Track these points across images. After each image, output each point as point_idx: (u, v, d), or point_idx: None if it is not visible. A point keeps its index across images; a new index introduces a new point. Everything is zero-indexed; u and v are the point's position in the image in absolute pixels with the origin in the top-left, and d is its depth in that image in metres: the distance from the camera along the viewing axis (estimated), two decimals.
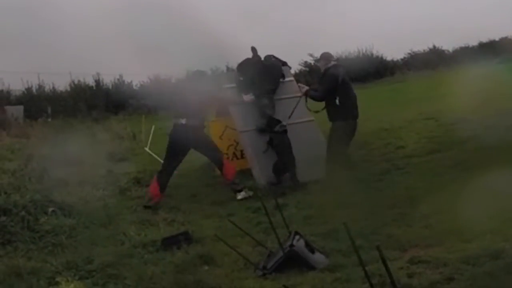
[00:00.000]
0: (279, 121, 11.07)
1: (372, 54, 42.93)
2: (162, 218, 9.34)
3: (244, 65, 12.09)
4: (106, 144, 17.59)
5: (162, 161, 11.23)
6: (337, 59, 11.36)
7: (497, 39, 45.29)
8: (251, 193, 10.56)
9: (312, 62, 38.28)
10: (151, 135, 15.88)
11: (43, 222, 8.84)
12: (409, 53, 44.80)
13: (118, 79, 38.25)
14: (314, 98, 11.02)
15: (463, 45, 44.77)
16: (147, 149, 14.95)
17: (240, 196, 10.60)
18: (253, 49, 12.20)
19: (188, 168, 12.48)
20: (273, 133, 10.97)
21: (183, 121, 10.76)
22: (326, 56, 11.13)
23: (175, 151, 10.86)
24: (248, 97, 11.58)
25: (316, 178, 10.65)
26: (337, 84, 10.64)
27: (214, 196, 10.85)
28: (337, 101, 10.59)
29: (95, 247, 7.97)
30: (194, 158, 12.26)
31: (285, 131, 10.97)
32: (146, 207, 10.26)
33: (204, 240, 7.85)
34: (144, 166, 13.62)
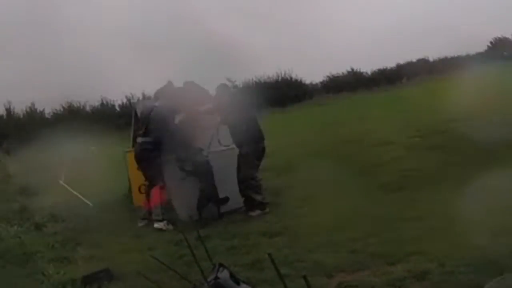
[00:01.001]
0: (201, 149, 10.95)
1: (291, 78, 43.33)
2: (81, 255, 9.03)
3: (162, 92, 11.85)
4: (18, 177, 17.12)
5: (78, 194, 11.01)
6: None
7: (414, 60, 46.52)
8: (171, 227, 10.45)
9: (231, 86, 38.33)
10: (65, 167, 15.47)
11: None
12: (328, 76, 45.41)
13: (30, 107, 37.38)
14: None
15: (381, 67, 45.69)
16: (61, 182, 14.54)
17: (156, 225, 10.53)
18: (169, 83, 12.01)
19: (105, 200, 12.21)
20: (196, 163, 10.77)
21: (139, 139, 11.13)
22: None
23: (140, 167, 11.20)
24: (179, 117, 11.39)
25: (237, 207, 10.60)
26: None
27: (133, 230, 10.64)
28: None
29: None
30: (110, 190, 12.03)
31: (207, 162, 10.86)
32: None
33: (126, 277, 7.58)
34: (59, 200, 13.23)
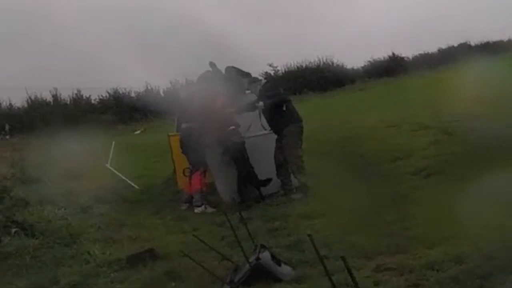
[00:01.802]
0: (237, 131, 11.08)
1: (332, 63, 43.07)
2: (126, 236, 9.20)
3: (203, 78, 12.03)
4: (64, 161, 17.34)
5: (123, 177, 11.19)
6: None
7: (455, 45, 45.83)
8: (211, 210, 10.73)
9: (272, 72, 38.28)
10: (111, 151, 15.70)
11: (6, 243, 8.67)
12: (369, 61, 45.00)
13: (77, 94, 37.73)
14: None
15: (422, 52, 45.14)
16: (108, 165, 14.78)
17: (196, 210, 10.77)
18: (212, 64, 12.16)
19: (150, 183, 12.40)
20: (232, 144, 10.89)
21: (184, 125, 11.35)
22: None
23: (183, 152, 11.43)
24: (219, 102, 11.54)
25: (277, 190, 10.75)
26: None
27: (177, 211, 10.85)
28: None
29: (60, 267, 7.84)
30: (155, 173, 12.20)
31: (243, 143, 10.96)
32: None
33: (170, 256, 7.75)
34: (105, 182, 13.45)
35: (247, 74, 12.60)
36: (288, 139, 10.81)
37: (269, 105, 10.87)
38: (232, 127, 10.99)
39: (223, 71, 12.25)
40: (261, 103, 10.98)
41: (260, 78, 13.14)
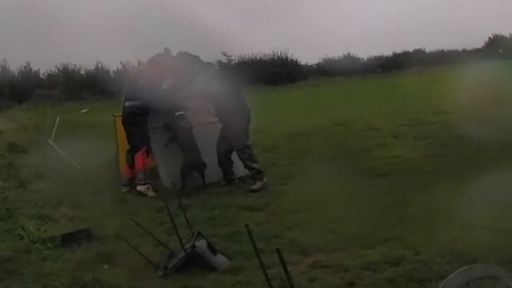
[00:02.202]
0: (184, 116, 10.96)
1: (287, 58, 43.22)
2: (63, 214, 9.02)
3: (153, 60, 11.87)
4: (8, 134, 17.04)
5: (65, 155, 11.02)
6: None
7: (411, 50, 46.52)
8: (153, 193, 10.65)
9: (226, 61, 38.26)
10: (55, 127, 15.45)
11: None
12: (323, 59, 45.27)
13: (25, 67, 37.14)
14: None
15: (377, 54, 45.65)
16: (50, 141, 14.53)
17: (139, 188, 10.72)
18: (167, 50, 12.02)
19: (91, 163, 12.22)
20: (179, 129, 10.80)
21: (127, 103, 11.19)
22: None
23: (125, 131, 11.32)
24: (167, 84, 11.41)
25: (222, 178, 10.71)
26: None
27: (117, 194, 10.72)
28: None
29: None
30: (98, 154, 12.02)
31: (191, 128, 10.85)
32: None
33: (105, 239, 7.64)
34: (47, 159, 13.23)
35: (198, 59, 12.49)
36: (236, 128, 10.64)
37: (220, 92, 10.64)
38: (180, 112, 10.85)
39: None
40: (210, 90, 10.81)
41: (213, 63, 13.02)
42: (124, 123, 11.23)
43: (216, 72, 11.19)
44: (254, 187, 10.30)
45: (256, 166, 10.52)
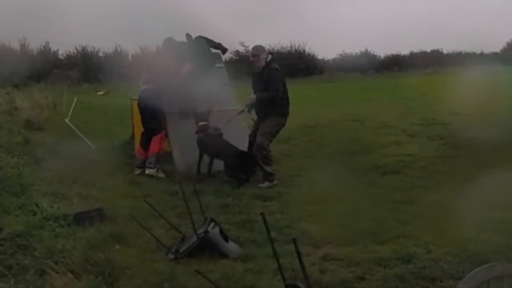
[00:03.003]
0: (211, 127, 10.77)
1: (304, 51, 43.13)
2: (77, 193, 9.03)
3: (168, 43, 11.86)
4: (24, 111, 17.11)
5: (81, 135, 11.06)
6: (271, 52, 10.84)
7: (428, 50, 46.38)
8: (162, 175, 10.78)
9: (244, 51, 38.16)
10: (72, 107, 15.51)
11: None
12: (340, 54, 45.15)
13: (45, 46, 37.21)
14: (269, 99, 10.34)
15: (395, 53, 45.50)
16: (67, 120, 14.58)
17: (147, 171, 10.82)
18: (188, 36, 12.04)
19: (107, 144, 12.28)
20: (206, 136, 10.65)
21: (144, 87, 11.28)
22: (263, 49, 10.70)
23: (141, 115, 11.33)
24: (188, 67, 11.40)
25: None
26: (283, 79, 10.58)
27: (131, 176, 10.77)
28: (277, 99, 10.33)
29: (6, 216, 7.66)
30: (113, 135, 12.07)
31: (221, 135, 10.63)
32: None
33: (118, 219, 7.62)
34: (62, 138, 13.29)
35: (219, 45, 12.51)
36: (264, 127, 10.37)
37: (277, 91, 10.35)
38: (205, 122, 10.77)
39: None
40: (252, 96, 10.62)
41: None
42: (140, 106, 11.27)
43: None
44: (262, 185, 10.08)
45: (268, 169, 10.24)
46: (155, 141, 10.98)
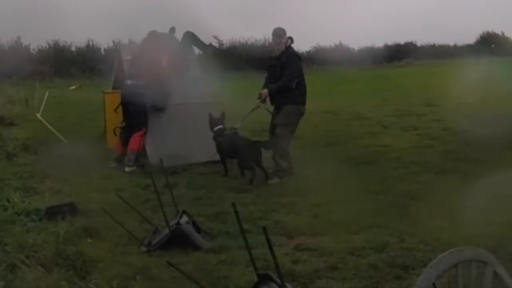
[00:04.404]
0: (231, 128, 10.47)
1: None
2: (49, 187, 9.00)
3: (153, 36, 11.78)
4: None
5: (53, 130, 10.96)
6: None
7: (402, 43, 46.61)
8: (133, 169, 10.73)
9: (217, 45, 38.05)
10: (44, 102, 15.36)
11: None
12: (315, 47, 45.13)
13: (16, 41, 36.83)
14: (283, 87, 9.90)
15: (369, 45, 45.65)
16: (38, 115, 14.44)
17: (127, 169, 10.73)
18: (172, 30, 11.97)
19: (79, 139, 12.20)
20: (224, 138, 10.33)
21: (129, 81, 11.08)
22: (285, 32, 10.23)
23: (124, 109, 11.11)
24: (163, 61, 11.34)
25: (209, 159, 10.76)
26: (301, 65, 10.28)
27: (104, 170, 10.67)
28: (294, 84, 9.88)
29: None
30: (86, 130, 11.98)
31: (236, 134, 10.37)
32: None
33: (90, 213, 7.63)
34: (34, 133, 13.18)
35: (205, 47, 12.46)
36: (282, 117, 9.96)
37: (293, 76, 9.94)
38: (220, 126, 10.44)
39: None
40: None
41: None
42: (125, 101, 11.08)
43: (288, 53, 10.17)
44: (271, 181, 9.69)
45: (283, 164, 9.85)
46: (135, 139, 10.90)
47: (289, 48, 10.11)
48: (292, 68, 9.95)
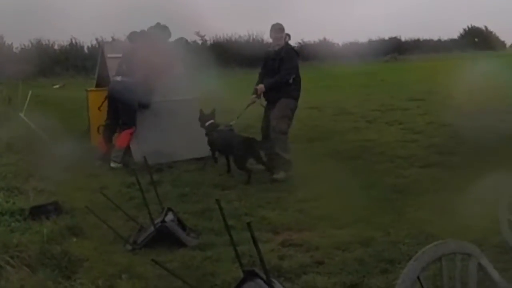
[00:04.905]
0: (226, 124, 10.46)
1: (262, 40, 43.13)
2: (32, 187, 8.89)
3: (147, 34, 11.74)
4: None
5: (36, 129, 10.90)
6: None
7: (386, 38, 46.82)
8: (119, 165, 10.74)
9: (200, 42, 38.02)
10: (27, 101, 15.29)
11: None
12: (299, 43, 45.15)
13: None
14: (281, 82, 9.95)
15: (353, 41, 45.80)
16: (22, 115, 14.37)
17: (113, 164, 10.77)
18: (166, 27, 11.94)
19: (62, 137, 12.13)
20: (216, 132, 10.33)
21: (118, 78, 11.04)
22: (282, 29, 10.22)
23: (111, 106, 11.11)
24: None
25: (194, 156, 10.78)
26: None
27: (88, 168, 10.62)
28: (291, 79, 9.93)
29: None
30: (69, 128, 11.92)
31: (232, 130, 10.33)
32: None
33: (74, 212, 7.53)
34: (17, 132, 13.09)
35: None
36: (278, 110, 9.92)
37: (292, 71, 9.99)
38: (211, 121, 10.52)
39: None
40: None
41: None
42: (113, 97, 11.05)
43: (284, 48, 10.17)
44: (277, 176, 9.56)
45: (286, 156, 9.76)
46: (124, 136, 10.92)
47: (287, 44, 10.21)
48: (290, 63, 10.00)
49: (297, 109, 10.18)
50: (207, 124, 10.44)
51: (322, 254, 5.98)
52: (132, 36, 11.66)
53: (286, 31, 10.19)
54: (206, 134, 10.43)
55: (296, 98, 10.11)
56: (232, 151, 9.93)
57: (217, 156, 10.46)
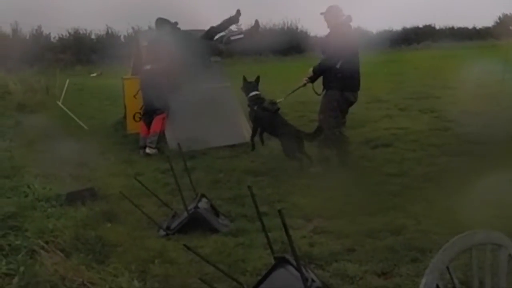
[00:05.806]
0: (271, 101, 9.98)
1: (297, 28, 42.94)
2: (68, 173, 9.05)
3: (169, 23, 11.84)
4: (17, 95, 17.07)
5: (73, 116, 11.04)
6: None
7: (420, 25, 46.36)
8: (154, 151, 10.86)
9: (236, 29, 37.90)
10: (64, 89, 15.47)
11: None
12: None
13: (36, 30, 37.02)
14: (326, 68, 9.39)
15: (387, 28, 45.42)
16: (59, 103, 14.56)
17: (148, 150, 10.89)
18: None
19: (99, 125, 12.28)
20: (262, 110, 9.88)
21: (148, 66, 11.22)
22: (335, 11, 9.56)
23: (144, 94, 11.34)
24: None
25: (228, 143, 10.87)
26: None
27: (123, 155, 10.78)
28: (338, 64, 9.22)
29: None
30: (106, 116, 12.02)
31: (277, 110, 9.87)
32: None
33: (109, 198, 7.67)
34: (55, 120, 13.28)
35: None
36: (323, 103, 9.48)
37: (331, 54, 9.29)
38: (256, 92, 10.07)
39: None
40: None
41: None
42: (142, 85, 11.31)
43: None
44: (314, 170, 9.20)
45: (326, 152, 9.42)
46: (157, 121, 11.07)
47: (342, 25, 9.52)
48: (336, 47, 9.23)
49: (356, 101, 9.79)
50: (250, 94, 10.05)
51: (353, 241, 6.00)
52: (159, 22, 11.78)
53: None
54: (248, 106, 10.08)
55: (341, 89, 9.34)
56: (277, 134, 9.75)
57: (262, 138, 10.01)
